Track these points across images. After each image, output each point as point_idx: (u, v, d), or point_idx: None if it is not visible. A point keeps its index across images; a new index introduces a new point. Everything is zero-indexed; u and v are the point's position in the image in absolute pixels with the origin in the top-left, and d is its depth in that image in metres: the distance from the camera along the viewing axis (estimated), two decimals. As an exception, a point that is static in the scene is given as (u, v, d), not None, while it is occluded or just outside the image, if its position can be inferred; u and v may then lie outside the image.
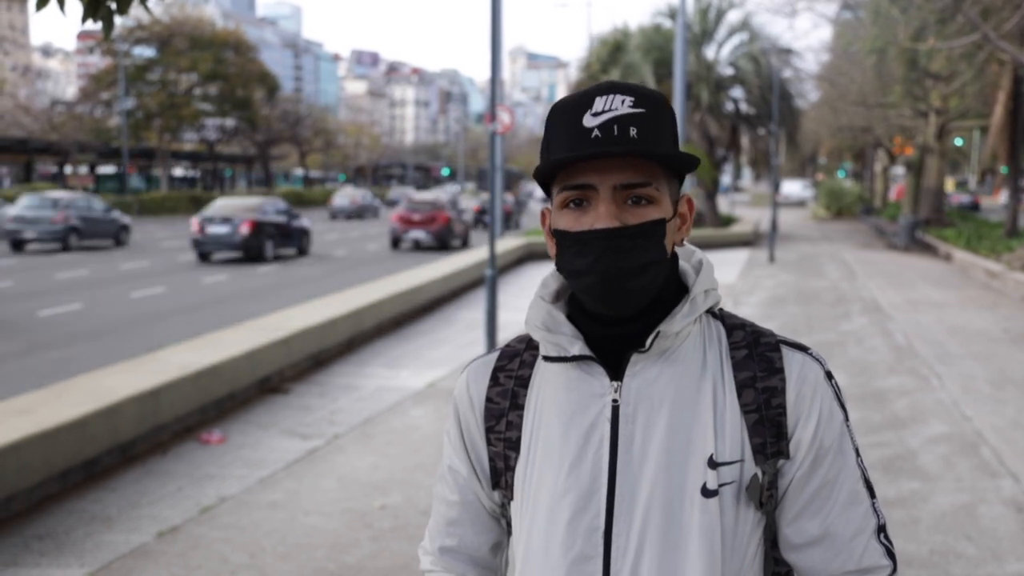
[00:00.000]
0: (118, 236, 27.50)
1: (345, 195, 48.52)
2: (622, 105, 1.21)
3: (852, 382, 8.49)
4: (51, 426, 5.48)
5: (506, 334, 9.86)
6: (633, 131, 1.20)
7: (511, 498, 1.36)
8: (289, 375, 8.81)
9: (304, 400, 8.12)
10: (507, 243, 20.99)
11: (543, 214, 1.34)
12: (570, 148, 1.21)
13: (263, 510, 5.28)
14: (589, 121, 1.21)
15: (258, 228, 22.06)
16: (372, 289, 12.59)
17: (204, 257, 22.22)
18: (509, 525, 1.41)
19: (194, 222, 22.36)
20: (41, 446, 5.37)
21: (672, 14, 29.76)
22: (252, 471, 6.07)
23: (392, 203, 54.17)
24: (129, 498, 5.54)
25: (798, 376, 1.28)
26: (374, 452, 6.45)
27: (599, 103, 1.22)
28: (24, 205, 25.88)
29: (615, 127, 1.20)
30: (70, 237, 25.55)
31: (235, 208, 22.58)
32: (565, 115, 1.24)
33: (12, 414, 5.71)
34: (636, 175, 1.22)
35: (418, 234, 25.81)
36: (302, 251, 24.36)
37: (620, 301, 1.24)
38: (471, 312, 13.29)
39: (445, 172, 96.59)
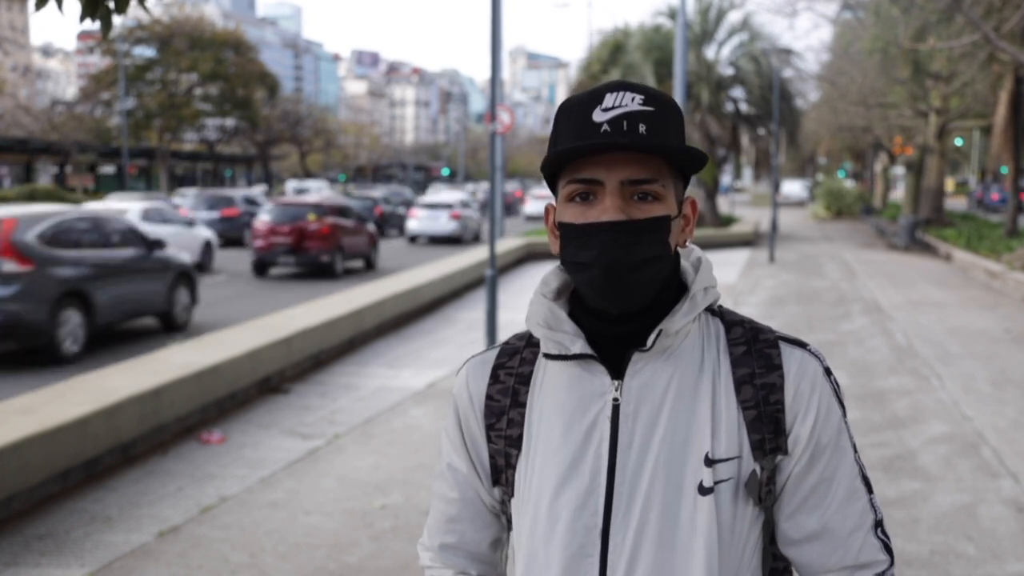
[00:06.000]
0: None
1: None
2: (632, 102, 1.22)
3: (853, 382, 8.49)
4: (52, 426, 5.48)
5: (506, 334, 9.84)
6: (642, 128, 1.21)
7: (511, 495, 1.37)
8: (290, 375, 8.81)
9: (305, 400, 8.13)
10: (507, 243, 21.00)
11: (547, 210, 1.34)
12: (578, 141, 1.22)
13: (263, 510, 5.28)
14: (599, 116, 1.22)
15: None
16: (373, 289, 12.60)
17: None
18: (509, 521, 1.42)
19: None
20: (42, 446, 5.37)
21: (672, 14, 29.75)
22: (252, 471, 6.07)
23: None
24: (130, 498, 5.54)
25: (796, 372, 1.29)
26: (375, 452, 6.45)
27: (609, 99, 1.22)
28: None
29: (624, 122, 1.21)
30: None
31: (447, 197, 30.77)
32: (575, 109, 1.25)
33: (14, 413, 5.72)
34: (643, 171, 1.22)
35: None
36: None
37: (622, 296, 1.24)
38: (471, 312, 13.29)
39: (445, 172, 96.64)
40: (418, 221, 28.84)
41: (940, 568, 4.48)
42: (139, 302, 11.07)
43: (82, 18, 3.26)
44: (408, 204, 37.30)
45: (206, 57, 52.20)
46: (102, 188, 49.09)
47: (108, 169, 52.88)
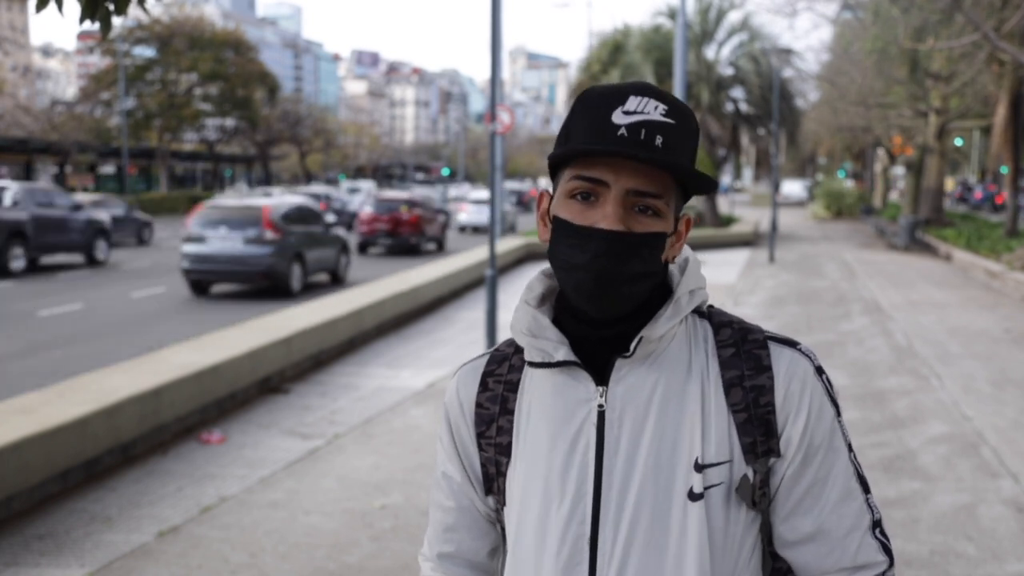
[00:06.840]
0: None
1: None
2: (654, 111, 1.19)
3: (852, 382, 8.49)
4: (52, 426, 5.48)
5: (506, 334, 9.80)
6: (659, 140, 1.18)
7: (504, 503, 1.35)
8: (290, 375, 8.82)
9: (305, 400, 8.13)
10: (507, 243, 21.00)
11: (540, 196, 1.32)
12: (594, 139, 1.19)
13: (263, 510, 5.28)
14: (619, 118, 1.18)
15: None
16: (373, 289, 12.60)
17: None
18: (504, 530, 1.40)
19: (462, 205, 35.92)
20: (42, 445, 5.37)
21: (672, 14, 29.75)
22: (252, 471, 6.07)
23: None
24: (130, 498, 5.54)
25: (786, 373, 1.26)
26: (374, 452, 6.45)
27: (632, 102, 1.19)
28: None
29: (643, 131, 1.18)
30: None
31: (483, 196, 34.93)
32: (594, 105, 1.21)
33: (13, 413, 5.72)
34: (650, 184, 1.19)
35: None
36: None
37: (606, 304, 1.23)
38: (471, 312, 13.29)
39: (445, 172, 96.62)
40: (467, 214, 34.22)
41: (940, 568, 4.48)
42: (324, 262, 16.60)
43: (82, 19, 3.25)
44: (446, 201, 45.83)
45: (206, 57, 52.18)
46: (102, 188, 49.10)
47: (108, 169, 52.87)
